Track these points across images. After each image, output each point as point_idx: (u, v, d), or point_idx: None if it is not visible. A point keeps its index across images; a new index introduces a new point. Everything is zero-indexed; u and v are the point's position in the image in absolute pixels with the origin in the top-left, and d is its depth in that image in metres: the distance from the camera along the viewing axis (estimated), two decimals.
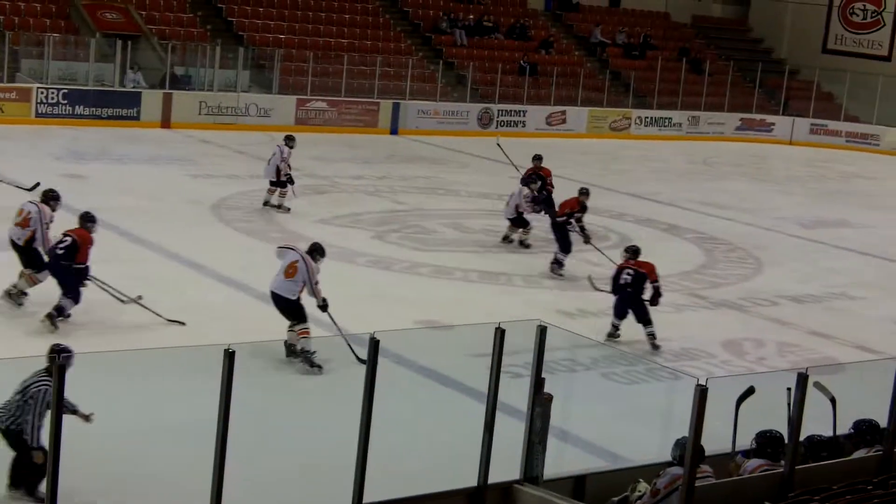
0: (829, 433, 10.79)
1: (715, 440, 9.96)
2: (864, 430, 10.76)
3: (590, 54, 48.24)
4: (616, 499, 9.65)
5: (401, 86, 40.30)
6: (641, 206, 28.26)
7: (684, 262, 22.95)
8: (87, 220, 16.22)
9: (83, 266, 15.85)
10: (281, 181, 24.45)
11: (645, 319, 16.95)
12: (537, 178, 24.03)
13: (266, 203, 24.58)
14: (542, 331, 9.29)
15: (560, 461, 10.68)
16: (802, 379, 9.36)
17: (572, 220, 21.32)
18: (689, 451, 8.57)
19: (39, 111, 33.34)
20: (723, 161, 40.64)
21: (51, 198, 16.85)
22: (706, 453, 9.35)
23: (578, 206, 21.62)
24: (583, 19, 50.19)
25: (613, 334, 17.17)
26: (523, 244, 23.04)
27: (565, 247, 21.10)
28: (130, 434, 11.92)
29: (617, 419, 14.25)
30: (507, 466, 9.48)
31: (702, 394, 8.38)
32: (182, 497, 10.56)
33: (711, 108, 47.39)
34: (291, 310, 15.10)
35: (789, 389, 9.58)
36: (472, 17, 46.21)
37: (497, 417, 9.34)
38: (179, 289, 18.00)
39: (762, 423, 10.17)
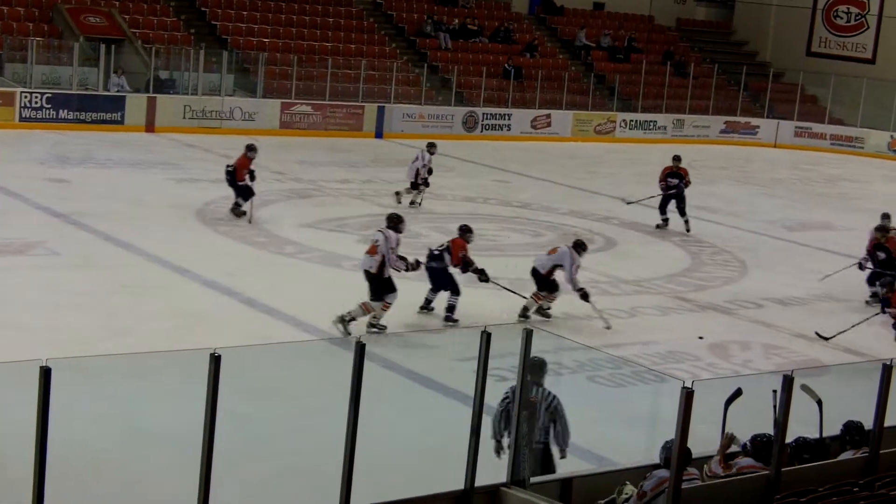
0: (816, 435, 10.81)
1: (701, 443, 9.97)
2: (851, 432, 10.78)
3: (574, 58, 48.29)
4: (603, 501, 9.64)
5: (385, 89, 40.30)
6: (627, 209, 28.26)
7: (670, 265, 22.97)
8: (465, 230, 18.17)
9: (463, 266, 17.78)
10: (416, 183, 26.57)
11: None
12: (675, 177, 26.57)
13: (410, 202, 26.52)
14: (528, 334, 9.28)
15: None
16: (788, 381, 9.36)
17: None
18: (676, 453, 8.57)
19: (23, 115, 33.26)
20: (708, 164, 40.62)
21: (398, 221, 17.34)
22: (693, 456, 9.36)
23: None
24: (567, 22, 50.26)
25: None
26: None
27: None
28: (116, 438, 11.90)
29: (603, 422, 14.24)
30: (493, 469, 9.47)
31: (688, 396, 8.38)
32: (168, 502, 10.54)
33: (696, 112, 47.51)
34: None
35: (775, 392, 9.59)
36: (456, 20, 46.23)
37: (484, 421, 9.33)
38: (164, 293, 17.96)
39: (750, 425, 10.19)
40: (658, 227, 26.31)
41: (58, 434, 7.76)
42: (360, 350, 8.44)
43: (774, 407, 9.66)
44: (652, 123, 46.00)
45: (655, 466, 9.57)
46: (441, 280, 17.73)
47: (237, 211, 23.65)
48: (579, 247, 17.95)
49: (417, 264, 17.36)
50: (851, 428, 10.79)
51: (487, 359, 9.15)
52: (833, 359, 17.48)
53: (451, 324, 17.43)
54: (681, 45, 52.43)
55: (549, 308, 18.37)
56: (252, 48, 39.72)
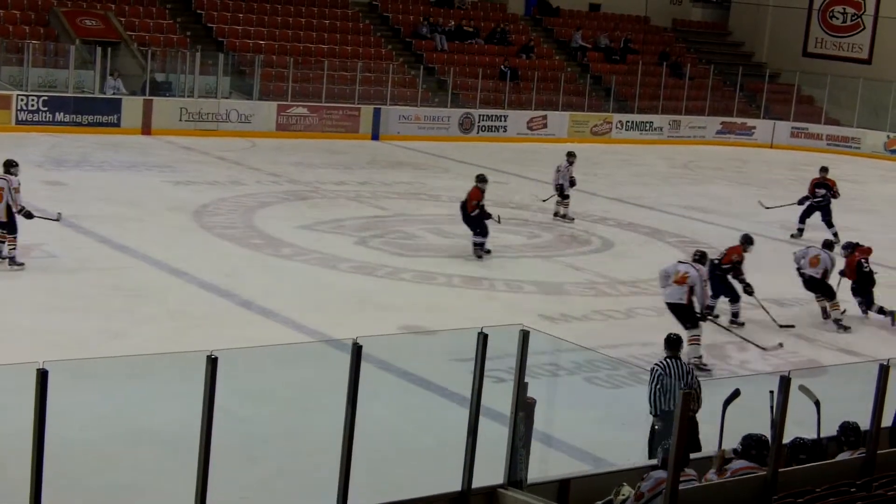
0: (813, 436, 10.82)
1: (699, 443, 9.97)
2: (847, 433, 10.79)
3: (570, 59, 48.32)
4: (600, 502, 9.64)
5: (381, 91, 40.29)
6: (623, 210, 28.27)
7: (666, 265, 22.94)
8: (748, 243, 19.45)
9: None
10: (564, 193, 26.65)
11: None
12: (823, 187, 27.01)
13: (555, 214, 26.73)
14: (524, 335, 9.28)
15: (544, 465, 10.70)
16: (785, 382, 9.37)
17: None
18: (673, 454, 8.57)
19: (19, 118, 33.25)
20: (704, 165, 40.71)
21: (703, 256, 17.49)
22: (690, 457, 9.36)
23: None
24: (563, 24, 50.27)
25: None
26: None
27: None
28: (113, 441, 11.90)
29: (600, 423, 14.25)
30: (491, 470, 9.47)
31: (685, 398, 8.39)
32: (165, 503, 10.54)
33: (692, 112, 47.53)
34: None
35: (772, 392, 9.60)
36: (452, 22, 46.25)
37: (480, 422, 9.33)
38: (161, 295, 17.96)
39: (747, 425, 10.18)
40: (793, 236, 26.47)
41: (55, 436, 7.75)
42: (357, 351, 8.45)
43: (772, 408, 9.67)
44: (648, 124, 46.01)
45: (653, 467, 9.58)
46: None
47: (478, 252, 22.05)
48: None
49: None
50: (847, 429, 10.80)
51: (484, 360, 9.15)
52: (830, 359, 17.48)
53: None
54: (677, 45, 52.46)
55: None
56: (248, 50, 39.71)
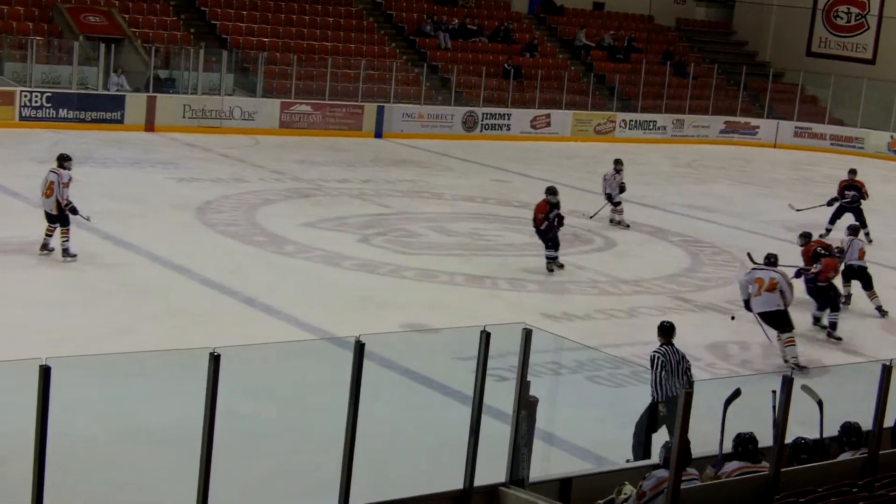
0: (815, 436, 10.82)
1: (700, 443, 9.97)
2: (849, 433, 10.79)
3: (574, 57, 48.27)
4: (602, 501, 9.64)
5: (385, 89, 40.30)
6: (627, 210, 28.22)
7: (670, 265, 22.97)
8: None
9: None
10: (615, 201, 26.63)
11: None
12: (852, 189, 27.33)
13: (611, 221, 26.60)
14: (527, 334, 9.28)
15: (546, 464, 10.69)
16: (787, 381, 9.37)
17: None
18: (675, 453, 8.57)
19: (23, 114, 33.27)
20: (707, 164, 40.70)
21: (775, 260, 17.67)
22: (692, 456, 9.36)
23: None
24: (567, 22, 50.24)
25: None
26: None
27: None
28: (115, 437, 11.90)
29: (603, 422, 14.25)
30: (492, 469, 9.47)
31: (687, 397, 8.39)
32: (168, 500, 10.55)
33: (696, 112, 47.49)
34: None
35: (774, 392, 9.60)
36: (456, 20, 46.21)
37: (483, 420, 9.33)
38: (164, 292, 17.97)
39: (750, 426, 10.19)
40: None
41: (57, 433, 7.76)
42: (360, 349, 8.45)
43: (774, 407, 9.67)
44: (652, 123, 45.99)
45: (655, 466, 9.58)
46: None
47: (550, 266, 21.51)
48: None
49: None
50: (849, 429, 10.80)
51: (487, 358, 9.16)
52: (833, 359, 17.48)
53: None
54: (680, 45, 52.42)
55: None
56: (252, 47, 39.71)
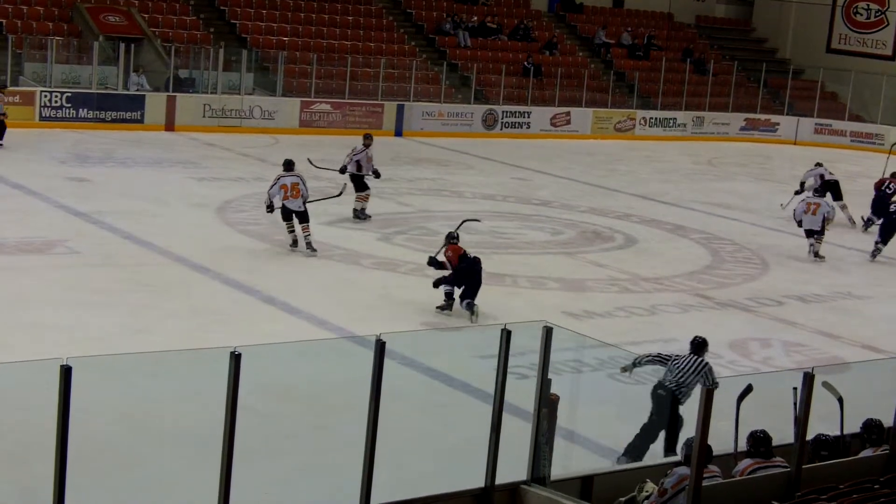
0: (835, 432, 10.80)
1: (722, 440, 9.96)
2: (870, 430, 10.77)
3: (594, 55, 48.25)
4: (623, 499, 9.64)
5: (405, 88, 40.32)
6: (647, 207, 28.23)
7: (690, 262, 22.93)
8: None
9: None
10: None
11: None
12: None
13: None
14: (548, 332, 9.28)
15: (567, 462, 10.70)
16: (808, 378, 9.35)
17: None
18: (696, 451, 8.56)
19: (43, 114, 33.35)
20: (728, 161, 40.62)
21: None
22: (713, 453, 9.35)
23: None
24: (587, 20, 50.21)
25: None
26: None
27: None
28: (136, 437, 11.92)
29: (624, 420, 14.23)
30: (514, 467, 9.47)
31: (708, 394, 8.38)
32: (189, 500, 10.56)
33: (716, 109, 47.42)
34: None
35: (795, 389, 9.58)
36: (475, 18, 46.20)
37: (504, 418, 9.33)
38: (185, 292, 18.00)
39: (769, 423, 10.17)
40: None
41: (78, 432, 7.78)
42: (381, 348, 8.46)
43: (795, 404, 9.65)
44: (672, 121, 45.93)
45: (676, 464, 9.57)
46: None
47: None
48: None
49: None
50: (871, 426, 10.78)
51: (507, 356, 9.15)
52: (854, 356, 17.43)
53: None
54: (700, 42, 52.35)
55: None
56: (271, 47, 39.77)
